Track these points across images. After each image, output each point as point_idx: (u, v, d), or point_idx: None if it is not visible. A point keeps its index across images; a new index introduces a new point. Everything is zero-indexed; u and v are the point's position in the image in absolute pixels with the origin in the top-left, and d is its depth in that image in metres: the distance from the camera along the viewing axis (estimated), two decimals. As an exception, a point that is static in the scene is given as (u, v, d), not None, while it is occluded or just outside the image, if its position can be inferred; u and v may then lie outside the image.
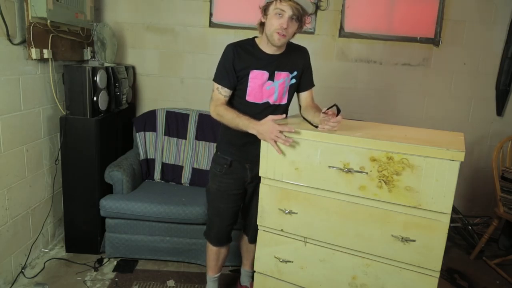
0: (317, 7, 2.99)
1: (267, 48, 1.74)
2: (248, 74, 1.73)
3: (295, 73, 1.80)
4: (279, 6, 1.61)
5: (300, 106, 1.93)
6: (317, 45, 3.06)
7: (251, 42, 1.78)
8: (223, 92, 1.75)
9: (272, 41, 1.68)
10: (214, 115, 1.76)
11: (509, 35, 3.03)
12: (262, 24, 1.72)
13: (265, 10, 1.68)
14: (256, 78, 1.74)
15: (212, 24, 3.05)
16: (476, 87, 3.16)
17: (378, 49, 3.09)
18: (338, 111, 1.56)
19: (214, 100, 1.77)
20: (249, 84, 1.75)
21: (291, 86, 1.82)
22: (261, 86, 1.75)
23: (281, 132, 1.54)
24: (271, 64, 1.75)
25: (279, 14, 1.62)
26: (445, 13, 3.03)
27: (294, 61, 1.80)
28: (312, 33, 3.05)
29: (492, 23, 3.05)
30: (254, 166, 1.80)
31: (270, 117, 1.59)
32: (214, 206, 1.93)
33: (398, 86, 3.16)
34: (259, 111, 1.76)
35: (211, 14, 3.04)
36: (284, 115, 1.66)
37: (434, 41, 3.09)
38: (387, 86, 3.16)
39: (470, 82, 3.15)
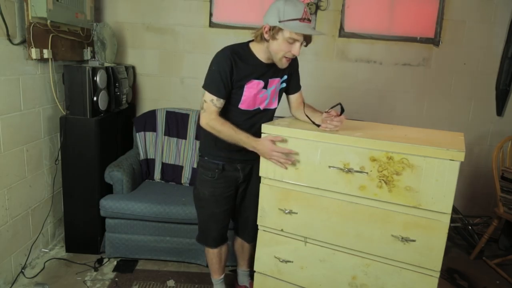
0: (317, 7, 2.99)
1: (263, 57, 1.69)
2: (244, 85, 1.68)
3: (285, 77, 1.80)
4: (293, 36, 1.55)
5: (290, 107, 1.92)
6: (317, 45, 3.06)
7: (246, 48, 1.70)
8: (218, 104, 1.66)
9: (277, 63, 1.66)
10: (207, 128, 1.68)
11: (509, 35, 3.03)
12: (263, 37, 1.63)
13: (272, 31, 1.57)
14: (252, 88, 1.69)
15: (212, 24, 3.06)
16: (476, 87, 3.16)
17: (378, 49, 3.08)
18: (342, 110, 1.56)
19: (207, 113, 1.67)
20: (244, 93, 1.70)
21: (280, 90, 1.82)
22: (255, 95, 1.71)
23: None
24: (267, 73, 1.71)
25: (291, 41, 1.57)
26: (445, 13, 3.03)
27: None
28: (312, 33, 3.05)
29: (492, 23, 3.05)
30: (245, 166, 1.82)
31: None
32: (208, 212, 1.90)
33: (398, 86, 3.16)
34: (250, 116, 1.75)
35: (211, 14, 3.04)
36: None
37: (434, 41, 3.09)
38: (387, 86, 3.16)
39: (470, 82, 3.15)
